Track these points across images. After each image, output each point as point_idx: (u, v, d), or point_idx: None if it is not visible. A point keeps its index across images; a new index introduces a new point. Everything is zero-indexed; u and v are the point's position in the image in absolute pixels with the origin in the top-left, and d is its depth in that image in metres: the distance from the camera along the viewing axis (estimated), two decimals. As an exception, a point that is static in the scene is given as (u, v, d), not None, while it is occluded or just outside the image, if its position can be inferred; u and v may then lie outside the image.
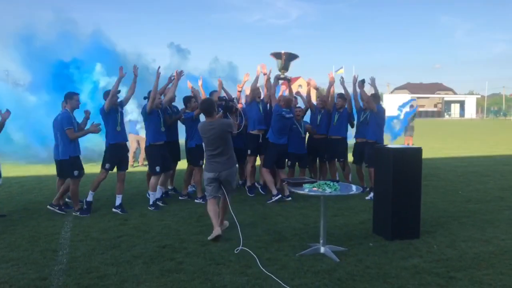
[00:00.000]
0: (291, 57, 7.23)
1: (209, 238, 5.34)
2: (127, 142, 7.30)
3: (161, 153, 7.18)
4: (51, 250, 5.07)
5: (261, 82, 8.29)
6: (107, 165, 6.84)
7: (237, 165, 5.91)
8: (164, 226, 6.08)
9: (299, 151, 8.25)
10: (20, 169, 11.22)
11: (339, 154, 8.69)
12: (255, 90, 7.86)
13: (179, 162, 8.30)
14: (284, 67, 7.20)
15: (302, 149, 8.31)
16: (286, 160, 8.34)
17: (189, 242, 5.31)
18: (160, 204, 7.28)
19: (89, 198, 6.87)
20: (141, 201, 7.67)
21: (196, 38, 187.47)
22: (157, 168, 7.07)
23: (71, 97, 6.71)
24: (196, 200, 7.57)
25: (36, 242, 5.39)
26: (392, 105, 20.02)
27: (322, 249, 4.88)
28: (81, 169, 6.76)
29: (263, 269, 4.37)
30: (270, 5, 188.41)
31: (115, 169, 6.99)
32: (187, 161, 7.92)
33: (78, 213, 6.64)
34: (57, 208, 6.81)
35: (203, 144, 5.90)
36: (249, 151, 8.08)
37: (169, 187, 8.27)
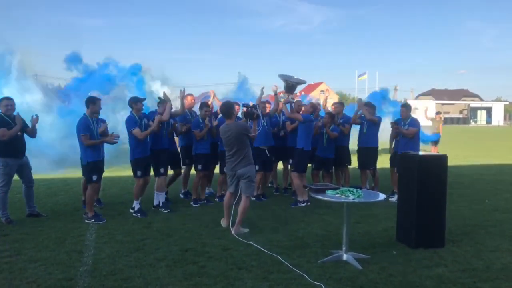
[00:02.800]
0: (297, 82, 7.36)
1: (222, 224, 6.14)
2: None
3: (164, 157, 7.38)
4: (77, 251, 5.19)
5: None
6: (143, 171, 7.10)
7: (254, 166, 6.13)
8: (187, 229, 6.14)
9: (325, 155, 8.35)
10: (47, 171, 11.46)
11: (368, 163, 8.77)
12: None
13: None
14: (290, 91, 7.31)
15: (328, 153, 8.39)
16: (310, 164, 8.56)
17: (211, 246, 5.35)
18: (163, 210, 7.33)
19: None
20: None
21: (220, 43, 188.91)
22: (161, 170, 7.31)
23: (94, 102, 6.68)
24: (191, 203, 7.77)
25: (63, 243, 5.52)
26: (417, 111, 19.65)
27: (345, 256, 4.84)
28: (100, 174, 6.75)
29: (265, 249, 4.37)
30: (294, 11, 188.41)
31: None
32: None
33: (93, 220, 6.53)
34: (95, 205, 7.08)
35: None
36: (257, 167, 7.88)
37: (182, 191, 8.41)
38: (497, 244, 5.49)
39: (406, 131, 8.12)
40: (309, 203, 7.65)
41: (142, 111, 7.07)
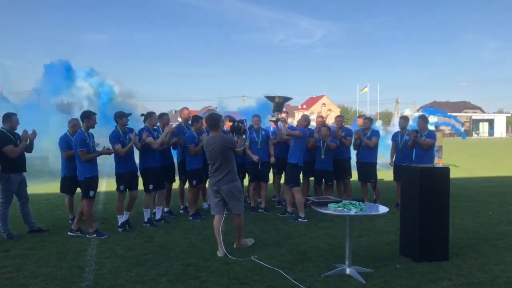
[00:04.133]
0: (284, 100, 7.49)
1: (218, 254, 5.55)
2: None
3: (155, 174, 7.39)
4: (78, 266, 5.16)
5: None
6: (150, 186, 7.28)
7: (238, 182, 5.92)
8: (189, 244, 6.11)
9: (324, 167, 8.37)
10: (48, 186, 11.48)
11: (368, 176, 8.89)
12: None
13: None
14: (278, 109, 7.41)
15: (327, 166, 8.40)
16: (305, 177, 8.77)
17: (214, 261, 5.31)
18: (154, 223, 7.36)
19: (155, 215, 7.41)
20: (166, 219, 7.75)
21: (220, 58, 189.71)
22: (150, 186, 7.31)
23: (90, 117, 6.58)
24: (190, 217, 7.78)
25: (64, 258, 5.50)
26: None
27: (348, 270, 4.80)
28: (96, 189, 6.68)
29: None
30: (294, 25, 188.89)
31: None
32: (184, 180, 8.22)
33: (95, 235, 6.49)
34: (79, 232, 6.68)
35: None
36: (249, 177, 8.57)
37: (165, 209, 8.22)
38: (502, 257, 5.44)
39: (424, 141, 8.19)
40: (306, 208, 7.74)
41: (127, 126, 7.05)
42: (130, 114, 7.15)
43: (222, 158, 5.58)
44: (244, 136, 6.23)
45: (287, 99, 7.28)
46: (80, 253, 5.70)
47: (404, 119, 8.95)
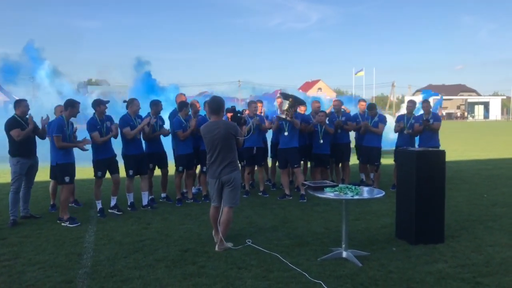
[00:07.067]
0: (297, 102, 7.72)
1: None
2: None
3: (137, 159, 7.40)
4: (76, 253, 5.17)
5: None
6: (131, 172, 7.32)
7: (239, 173, 5.48)
8: (186, 230, 6.13)
9: (322, 151, 8.50)
10: (46, 174, 11.42)
11: (373, 159, 8.92)
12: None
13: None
14: (289, 109, 7.67)
15: (324, 150, 8.51)
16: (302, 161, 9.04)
17: (211, 246, 5.33)
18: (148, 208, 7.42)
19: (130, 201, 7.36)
20: (163, 205, 7.77)
21: (215, 43, 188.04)
22: (130, 172, 7.35)
23: (73, 105, 6.56)
24: (176, 203, 7.79)
25: (61, 245, 5.50)
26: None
27: (344, 254, 4.83)
28: (73, 175, 6.64)
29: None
30: (290, 9, 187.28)
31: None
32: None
33: (68, 223, 6.40)
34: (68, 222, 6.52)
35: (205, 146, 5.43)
36: (244, 162, 8.50)
37: (162, 195, 8.23)
38: (496, 239, 5.49)
39: (434, 125, 8.51)
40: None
41: (105, 114, 7.01)
42: (108, 102, 7.15)
43: (223, 146, 5.13)
44: (245, 127, 5.97)
45: (300, 101, 7.70)
46: (77, 240, 5.71)
47: (412, 103, 9.03)
